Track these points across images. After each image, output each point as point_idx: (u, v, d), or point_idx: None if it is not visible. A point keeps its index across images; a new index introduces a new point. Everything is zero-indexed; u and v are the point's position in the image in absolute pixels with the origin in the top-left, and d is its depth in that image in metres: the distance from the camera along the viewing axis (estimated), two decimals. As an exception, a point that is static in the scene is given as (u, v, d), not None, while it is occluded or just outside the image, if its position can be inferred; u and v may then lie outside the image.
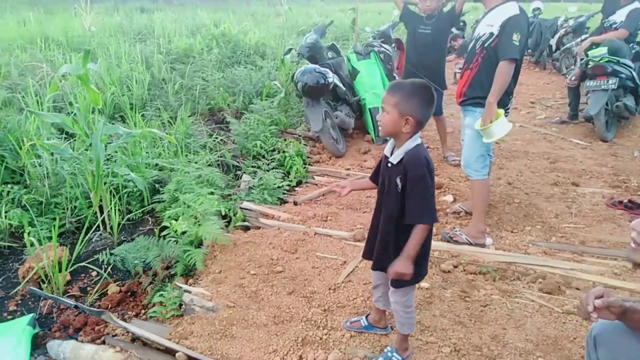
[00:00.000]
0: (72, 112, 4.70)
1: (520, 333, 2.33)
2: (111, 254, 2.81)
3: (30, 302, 2.66)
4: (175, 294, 2.49)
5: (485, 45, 3.02)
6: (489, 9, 3.08)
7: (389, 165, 1.89)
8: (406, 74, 4.59)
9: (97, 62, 6.29)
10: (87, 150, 3.59)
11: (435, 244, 3.16)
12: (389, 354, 2.09)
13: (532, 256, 3.02)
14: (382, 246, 2.00)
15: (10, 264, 3.05)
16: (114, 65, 6.25)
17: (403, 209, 1.85)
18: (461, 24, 11.73)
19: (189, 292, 2.51)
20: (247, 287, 2.58)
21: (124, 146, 4.14)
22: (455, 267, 2.92)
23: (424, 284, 2.69)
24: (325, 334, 2.27)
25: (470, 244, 3.15)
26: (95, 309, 2.31)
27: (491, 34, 2.98)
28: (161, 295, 2.46)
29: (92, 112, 4.98)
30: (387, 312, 2.31)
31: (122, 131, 3.43)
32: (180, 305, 2.44)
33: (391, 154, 1.90)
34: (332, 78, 4.55)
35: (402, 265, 1.81)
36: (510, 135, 5.41)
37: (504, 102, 3.10)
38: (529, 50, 10.43)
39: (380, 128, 1.89)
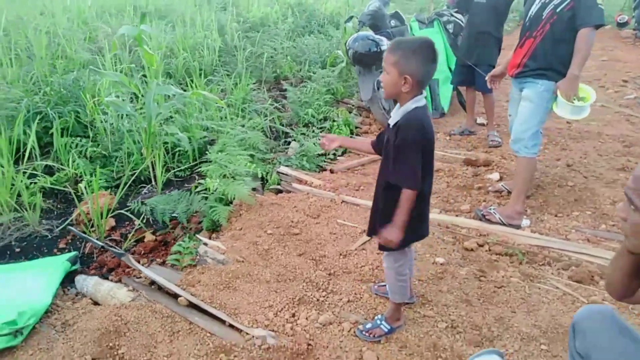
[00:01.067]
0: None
1: (529, 318, 2.20)
2: (143, 204, 3.04)
3: (78, 242, 2.98)
4: (193, 245, 2.66)
5: (558, 10, 2.71)
6: None
7: (389, 127, 1.85)
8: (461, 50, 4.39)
9: (174, 29, 6.68)
10: (142, 108, 3.87)
11: (465, 220, 3.04)
12: (378, 322, 2.08)
13: (571, 242, 2.79)
14: (372, 210, 1.99)
15: (72, 208, 3.43)
16: (188, 33, 6.56)
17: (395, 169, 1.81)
18: None
19: (206, 244, 2.66)
20: (260, 245, 2.68)
21: (180, 108, 4.41)
22: (481, 245, 2.79)
23: (439, 259, 2.61)
24: (323, 296, 2.30)
25: (504, 225, 2.97)
26: (118, 251, 2.55)
27: None
28: (179, 245, 2.64)
29: (162, 76, 5.37)
30: (411, 282, 2.26)
31: (173, 92, 3.64)
32: (196, 255, 2.60)
33: None
34: (386, 46, 4.42)
35: (389, 231, 1.78)
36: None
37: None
38: (635, 24, 9.27)
39: (383, 90, 1.85)
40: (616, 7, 12.43)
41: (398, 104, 1.84)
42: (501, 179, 3.59)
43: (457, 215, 3.13)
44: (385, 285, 2.29)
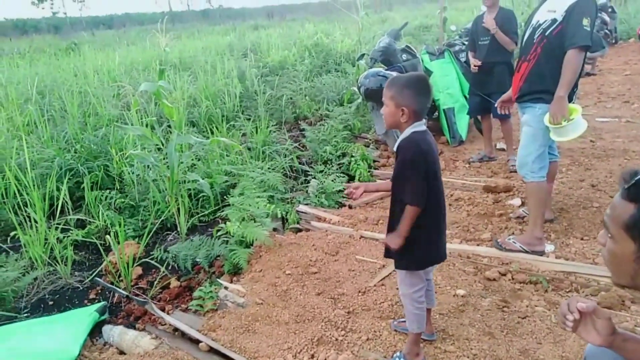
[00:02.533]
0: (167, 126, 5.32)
1: (556, 349, 2.12)
2: (166, 251, 3.14)
3: (107, 292, 3.09)
4: (215, 289, 2.72)
5: (547, 33, 2.75)
6: None
7: (395, 153, 1.98)
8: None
9: (196, 79, 7.00)
10: (164, 158, 4.04)
11: (486, 249, 3.00)
12: (397, 359, 2.06)
13: (599, 267, 2.70)
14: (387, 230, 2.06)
15: (103, 259, 3.56)
16: (210, 81, 6.84)
17: (398, 196, 1.94)
18: (609, 9, 9.99)
19: (226, 288, 2.71)
20: (279, 286, 2.71)
21: (202, 155, 4.58)
22: (503, 274, 2.73)
23: (460, 291, 2.57)
24: (342, 335, 2.30)
25: (526, 252, 2.91)
26: (141, 300, 2.63)
27: (554, 20, 2.71)
28: (201, 290, 2.70)
29: (186, 125, 5.60)
30: (431, 316, 2.27)
31: (193, 141, 3.79)
32: (217, 300, 2.65)
33: None
34: (398, 81, 4.50)
35: (391, 236, 1.94)
36: (610, 132, 4.89)
37: (569, 97, 2.81)
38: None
39: (384, 122, 2.00)
40: (638, 20, 12.26)
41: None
42: (523, 204, 3.53)
43: (478, 245, 3.08)
44: (405, 321, 2.27)
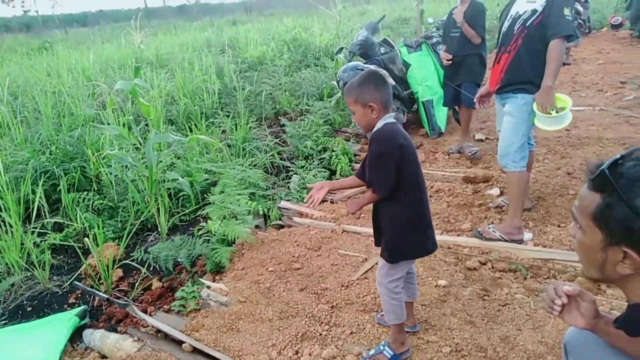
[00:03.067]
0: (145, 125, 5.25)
1: (535, 335, 2.16)
2: (146, 252, 3.10)
3: (87, 296, 3.04)
4: (197, 289, 2.70)
5: (527, 24, 2.76)
6: None
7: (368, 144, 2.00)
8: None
9: (174, 76, 6.91)
10: (143, 158, 3.98)
11: (466, 239, 3.04)
12: (381, 347, 2.07)
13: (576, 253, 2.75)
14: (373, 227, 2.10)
15: (81, 263, 3.50)
16: (188, 78, 6.76)
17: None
18: None
19: (209, 287, 2.70)
20: (262, 283, 2.70)
21: (181, 153, 4.53)
22: (483, 264, 2.78)
23: (441, 281, 2.60)
24: (326, 330, 2.30)
25: (506, 241, 2.95)
26: (122, 302, 2.60)
27: (534, 11, 2.73)
28: (183, 290, 2.68)
29: (164, 123, 5.53)
30: (414, 307, 2.29)
31: (172, 139, 3.75)
32: (200, 299, 2.63)
33: None
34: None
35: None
36: (585, 120, 4.98)
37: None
38: (630, 25, 9.29)
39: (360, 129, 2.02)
40: (610, 10, 12.50)
41: None
42: (502, 193, 3.59)
43: (458, 235, 3.12)
44: None
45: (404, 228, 1.95)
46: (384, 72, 1.94)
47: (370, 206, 2.07)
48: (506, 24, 2.91)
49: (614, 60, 7.92)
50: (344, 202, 3.78)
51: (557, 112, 2.70)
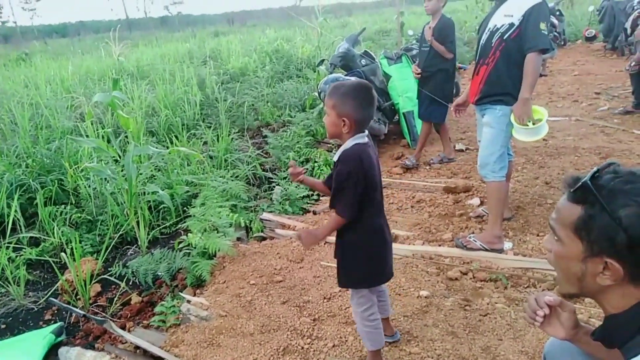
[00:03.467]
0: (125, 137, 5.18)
1: (516, 344, 2.18)
2: (125, 267, 3.05)
3: (64, 312, 2.96)
4: (177, 303, 2.65)
5: (505, 37, 2.82)
6: None
7: (335, 165, 1.90)
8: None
9: (155, 88, 6.86)
10: (122, 170, 3.92)
11: (447, 250, 3.05)
12: None
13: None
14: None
15: (57, 278, 3.42)
16: (169, 90, 6.71)
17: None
18: (557, 12, 10.42)
19: (189, 301, 2.65)
20: (243, 296, 2.68)
21: (162, 165, 4.48)
22: (464, 274, 2.79)
23: (423, 292, 2.60)
24: (308, 344, 2.28)
25: (486, 250, 2.98)
26: (99, 318, 2.54)
27: (511, 24, 2.78)
28: (162, 305, 2.63)
29: (145, 135, 5.47)
30: (389, 319, 2.26)
31: (152, 151, 3.70)
32: (180, 314, 2.58)
33: None
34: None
35: (306, 233, 1.91)
36: (562, 130, 5.09)
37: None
38: (603, 37, 9.59)
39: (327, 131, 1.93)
40: (584, 23, 12.85)
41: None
42: (482, 203, 3.62)
43: (439, 245, 3.14)
44: None
45: (363, 256, 1.90)
46: (374, 93, 1.86)
47: None
48: (484, 37, 2.96)
49: (589, 71, 8.14)
50: (326, 213, 3.77)
51: (533, 123, 2.75)
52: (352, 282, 1.96)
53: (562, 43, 11.35)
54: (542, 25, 2.68)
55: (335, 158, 1.87)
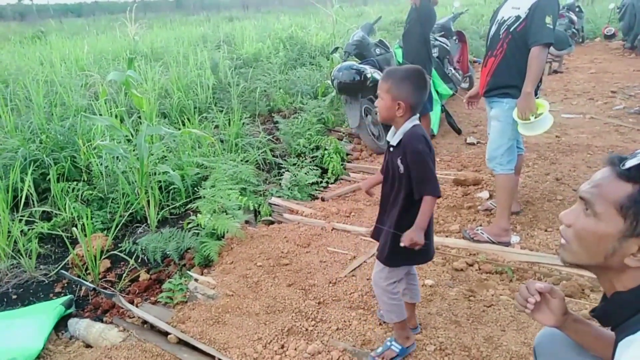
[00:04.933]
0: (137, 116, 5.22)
1: (519, 336, 2.19)
2: (135, 244, 3.09)
3: (74, 286, 3.02)
4: (184, 282, 2.69)
5: (511, 29, 2.81)
6: None
7: (391, 149, 1.94)
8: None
9: (168, 70, 6.88)
10: (134, 150, 3.96)
11: (454, 241, 3.06)
12: (388, 344, 2.09)
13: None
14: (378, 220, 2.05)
15: (68, 252, 3.48)
16: (182, 72, 6.73)
17: (404, 193, 1.88)
18: (576, 9, 10.33)
19: (196, 280, 2.69)
20: (250, 277, 2.71)
21: (173, 146, 4.52)
22: (470, 265, 2.80)
23: (428, 281, 2.62)
24: (312, 326, 2.31)
25: (493, 243, 2.99)
26: (108, 292, 2.59)
27: (517, 17, 2.77)
28: (170, 282, 2.67)
29: (157, 116, 5.50)
30: (416, 308, 2.28)
31: (164, 132, 3.73)
32: (187, 292, 2.63)
33: None
34: (371, 74, 4.53)
35: (414, 233, 1.82)
36: (575, 127, 5.04)
37: (534, 92, 2.88)
38: (623, 36, 9.44)
39: (377, 114, 1.95)
40: (603, 20, 12.64)
41: (392, 128, 1.93)
42: (491, 197, 3.62)
43: (447, 236, 3.15)
44: None
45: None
46: (427, 77, 1.89)
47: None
48: (493, 28, 2.95)
49: (606, 69, 8.03)
50: (334, 200, 3.79)
51: (535, 117, 2.74)
52: (399, 259, 1.95)
53: (580, 40, 11.20)
54: (548, 19, 2.65)
55: (394, 142, 1.89)
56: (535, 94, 2.89)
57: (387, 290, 1.99)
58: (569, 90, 6.93)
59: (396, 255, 1.94)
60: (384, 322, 2.32)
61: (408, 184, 1.86)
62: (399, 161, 1.86)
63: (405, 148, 1.83)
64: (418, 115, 1.90)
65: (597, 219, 1.05)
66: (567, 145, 4.60)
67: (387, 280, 1.99)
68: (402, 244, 1.84)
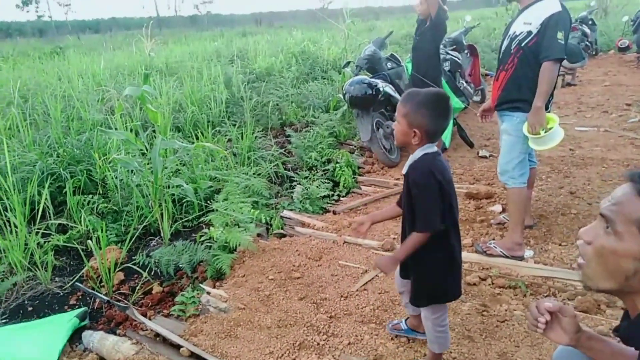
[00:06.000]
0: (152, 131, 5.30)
1: (533, 352, 2.16)
2: (148, 256, 3.12)
3: (88, 298, 3.05)
4: (197, 295, 2.71)
5: (522, 44, 2.82)
6: (525, 6, 2.88)
7: (404, 176, 1.86)
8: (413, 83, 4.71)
9: (182, 84, 6.99)
10: (149, 163, 4.02)
11: (467, 255, 3.04)
12: None
13: (576, 272, 2.75)
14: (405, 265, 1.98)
15: (83, 265, 3.52)
16: (196, 87, 6.83)
17: (413, 219, 1.81)
18: (590, 22, 10.38)
19: (209, 293, 2.71)
20: (262, 291, 2.72)
21: (187, 160, 4.57)
22: (483, 279, 2.78)
23: (440, 296, 2.59)
24: (324, 340, 2.31)
25: (506, 257, 2.96)
26: (122, 305, 2.61)
27: (529, 32, 2.79)
28: (183, 295, 2.69)
29: (171, 130, 5.59)
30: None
31: (178, 146, 3.78)
32: (199, 305, 2.64)
33: None
34: (383, 88, 4.56)
35: (384, 259, 1.79)
36: (589, 140, 5.00)
37: (545, 106, 2.88)
38: (637, 48, 9.38)
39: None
40: (617, 33, 12.57)
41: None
42: (503, 210, 3.59)
43: (459, 250, 3.12)
44: (398, 324, 2.32)
45: (445, 271, 1.84)
46: (451, 104, 1.80)
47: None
48: (505, 43, 2.96)
49: (620, 82, 7.96)
50: (346, 214, 3.80)
51: (546, 131, 2.73)
52: (434, 299, 1.89)
53: (594, 53, 11.15)
54: (560, 35, 2.65)
55: (404, 171, 1.82)
56: (547, 108, 2.89)
57: (436, 323, 1.94)
58: (583, 103, 6.88)
59: (430, 295, 1.89)
60: (396, 337, 2.31)
61: None
62: (407, 190, 1.81)
63: (409, 178, 1.77)
64: (435, 142, 1.77)
65: (617, 237, 1.02)
66: (581, 158, 4.56)
67: (435, 314, 1.93)
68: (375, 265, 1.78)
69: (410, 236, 1.75)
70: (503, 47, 2.98)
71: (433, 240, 1.74)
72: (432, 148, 1.76)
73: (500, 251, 2.97)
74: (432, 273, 1.85)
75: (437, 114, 1.70)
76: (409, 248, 1.76)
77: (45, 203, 3.60)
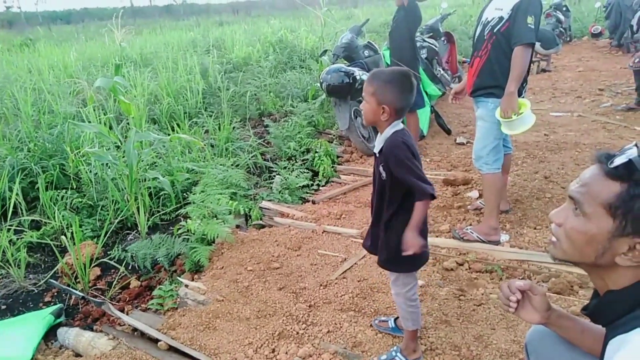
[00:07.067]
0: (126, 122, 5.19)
1: (509, 334, 2.20)
2: (124, 251, 3.07)
3: (64, 295, 3.00)
4: (175, 288, 2.68)
5: (495, 30, 2.84)
6: None
7: (376, 156, 1.90)
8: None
9: (157, 75, 6.86)
10: (123, 156, 3.94)
11: (444, 241, 3.07)
12: (393, 353, 2.07)
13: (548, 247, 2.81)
14: (376, 238, 2.01)
15: (58, 261, 3.45)
16: (172, 78, 6.71)
17: (387, 199, 1.86)
18: (564, 8, 10.48)
19: (187, 286, 2.68)
20: (240, 282, 2.70)
21: (163, 152, 4.50)
22: (460, 264, 2.81)
23: (418, 281, 2.60)
24: (303, 329, 2.31)
25: (483, 242, 3.00)
26: (97, 300, 2.57)
27: (501, 18, 2.81)
28: (160, 289, 2.66)
29: (147, 122, 5.48)
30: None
31: (153, 138, 3.71)
32: (177, 298, 2.62)
33: None
34: (360, 76, 4.54)
35: (411, 236, 1.77)
36: (563, 125, 5.09)
37: (519, 91, 2.91)
38: (609, 34, 9.55)
39: (363, 118, 1.93)
40: (590, 19, 12.77)
41: (379, 134, 1.89)
42: (480, 196, 3.63)
43: (437, 236, 3.16)
44: (386, 321, 2.31)
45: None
46: (414, 80, 1.83)
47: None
48: (478, 29, 2.98)
49: (593, 67, 8.11)
50: (325, 203, 3.79)
51: (517, 116, 2.76)
52: (407, 266, 1.92)
53: (568, 39, 11.31)
54: (530, 20, 2.68)
55: (376, 149, 1.86)
56: (520, 94, 2.92)
57: (407, 297, 1.96)
58: (557, 89, 6.99)
59: (401, 261, 1.88)
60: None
61: (391, 190, 1.84)
62: (381, 168, 1.85)
63: (387, 156, 1.79)
64: (401, 119, 1.84)
65: (586, 218, 1.04)
66: (555, 143, 4.63)
67: (406, 287, 1.96)
68: (404, 254, 1.78)
69: (415, 208, 1.77)
70: (477, 34, 3.00)
71: (401, 205, 1.83)
72: (399, 125, 1.83)
73: (477, 236, 3.01)
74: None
75: (403, 89, 1.76)
76: (420, 219, 1.78)
77: (16, 199, 3.51)
